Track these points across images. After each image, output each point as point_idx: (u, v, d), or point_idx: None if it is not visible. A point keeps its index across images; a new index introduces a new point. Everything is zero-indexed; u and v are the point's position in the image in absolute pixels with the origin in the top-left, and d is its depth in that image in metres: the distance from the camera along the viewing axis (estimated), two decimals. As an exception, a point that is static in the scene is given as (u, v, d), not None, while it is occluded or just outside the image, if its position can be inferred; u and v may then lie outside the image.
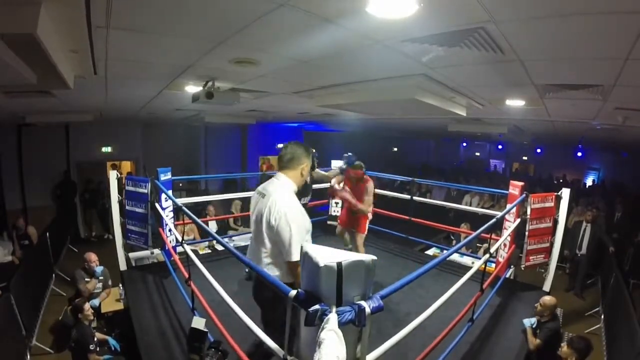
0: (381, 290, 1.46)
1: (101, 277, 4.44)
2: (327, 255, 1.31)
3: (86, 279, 4.33)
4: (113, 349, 3.59)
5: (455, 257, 4.79)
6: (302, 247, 1.45)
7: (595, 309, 5.19)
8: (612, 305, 4.48)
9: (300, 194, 2.50)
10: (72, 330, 3.29)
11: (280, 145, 12.17)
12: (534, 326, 3.11)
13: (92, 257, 4.46)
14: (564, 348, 2.78)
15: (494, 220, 2.82)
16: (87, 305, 3.44)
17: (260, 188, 2.15)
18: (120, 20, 1.77)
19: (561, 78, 2.64)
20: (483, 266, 2.84)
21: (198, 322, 2.43)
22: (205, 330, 2.39)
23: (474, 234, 2.90)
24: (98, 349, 3.30)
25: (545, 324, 3.10)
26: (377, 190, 6.20)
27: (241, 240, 5.43)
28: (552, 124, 5.64)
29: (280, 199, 1.96)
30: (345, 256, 1.31)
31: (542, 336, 3.00)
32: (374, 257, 1.36)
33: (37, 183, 7.69)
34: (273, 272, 1.98)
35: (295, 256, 1.87)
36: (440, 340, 2.40)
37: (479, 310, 2.96)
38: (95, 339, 3.33)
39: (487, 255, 2.88)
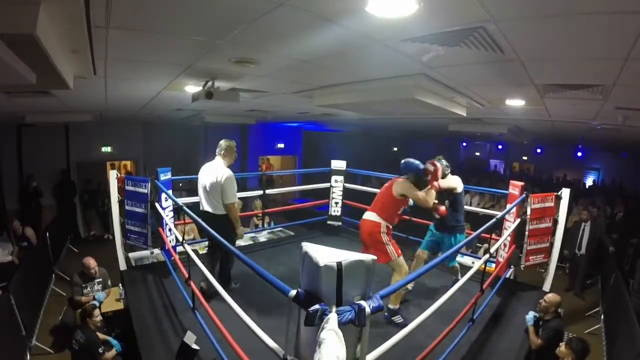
0: (381, 290, 1.46)
1: (99, 279, 4.42)
2: (327, 255, 1.31)
3: (82, 285, 4.30)
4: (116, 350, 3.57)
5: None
6: (302, 247, 1.44)
7: (595, 309, 5.19)
8: (612, 305, 4.47)
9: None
10: (76, 332, 3.24)
11: (280, 145, 12.27)
12: (531, 323, 3.10)
13: (91, 262, 4.32)
14: (562, 347, 2.79)
15: (494, 220, 2.82)
16: (96, 312, 3.36)
17: (206, 166, 3.50)
18: (119, 20, 1.77)
19: (561, 78, 2.64)
20: (483, 266, 2.84)
21: (189, 338, 2.46)
22: (197, 348, 2.44)
23: (475, 234, 2.90)
24: (104, 348, 3.29)
25: (548, 323, 3.09)
26: (377, 190, 6.20)
27: (241, 240, 5.41)
28: (552, 124, 5.64)
29: (223, 169, 3.37)
30: (345, 256, 1.31)
31: (544, 335, 3.00)
32: (374, 257, 1.36)
33: (37, 183, 7.68)
34: (221, 211, 3.41)
35: (231, 199, 3.38)
36: (440, 341, 2.40)
37: (479, 310, 2.96)
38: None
39: (487, 256, 2.88)
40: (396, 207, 3.12)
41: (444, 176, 3.33)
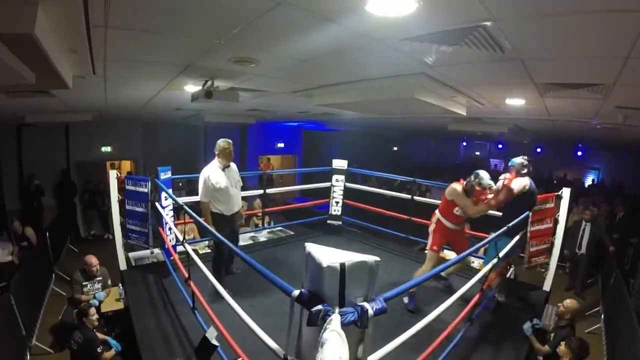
0: (381, 290, 1.45)
1: (100, 278, 4.42)
2: (330, 256, 1.31)
3: (83, 283, 4.31)
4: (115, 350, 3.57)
5: (451, 254, 4.74)
6: (305, 247, 1.43)
7: (595, 308, 5.19)
8: (612, 304, 4.47)
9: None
10: (75, 333, 3.24)
11: (280, 145, 12.27)
12: (536, 327, 3.03)
13: (93, 260, 4.36)
14: (562, 347, 2.79)
15: (517, 221, 2.88)
16: (92, 310, 3.37)
17: None
18: (118, 19, 1.77)
19: (561, 77, 2.63)
20: (490, 268, 2.82)
21: (211, 333, 2.43)
22: (217, 344, 2.40)
23: (490, 237, 2.86)
24: (103, 348, 3.28)
25: (561, 329, 3.06)
26: (377, 190, 6.21)
27: (241, 239, 5.41)
28: (552, 123, 5.63)
29: (205, 168, 3.54)
30: (349, 257, 1.30)
31: (553, 344, 2.95)
32: (377, 258, 1.35)
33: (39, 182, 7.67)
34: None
35: (200, 197, 3.53)
36: (441, 342, 2.38)
37: (476, 311, 2.94)
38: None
39: (496, 260, 2.85)
40: (449, 207, 3.47)
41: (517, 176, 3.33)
